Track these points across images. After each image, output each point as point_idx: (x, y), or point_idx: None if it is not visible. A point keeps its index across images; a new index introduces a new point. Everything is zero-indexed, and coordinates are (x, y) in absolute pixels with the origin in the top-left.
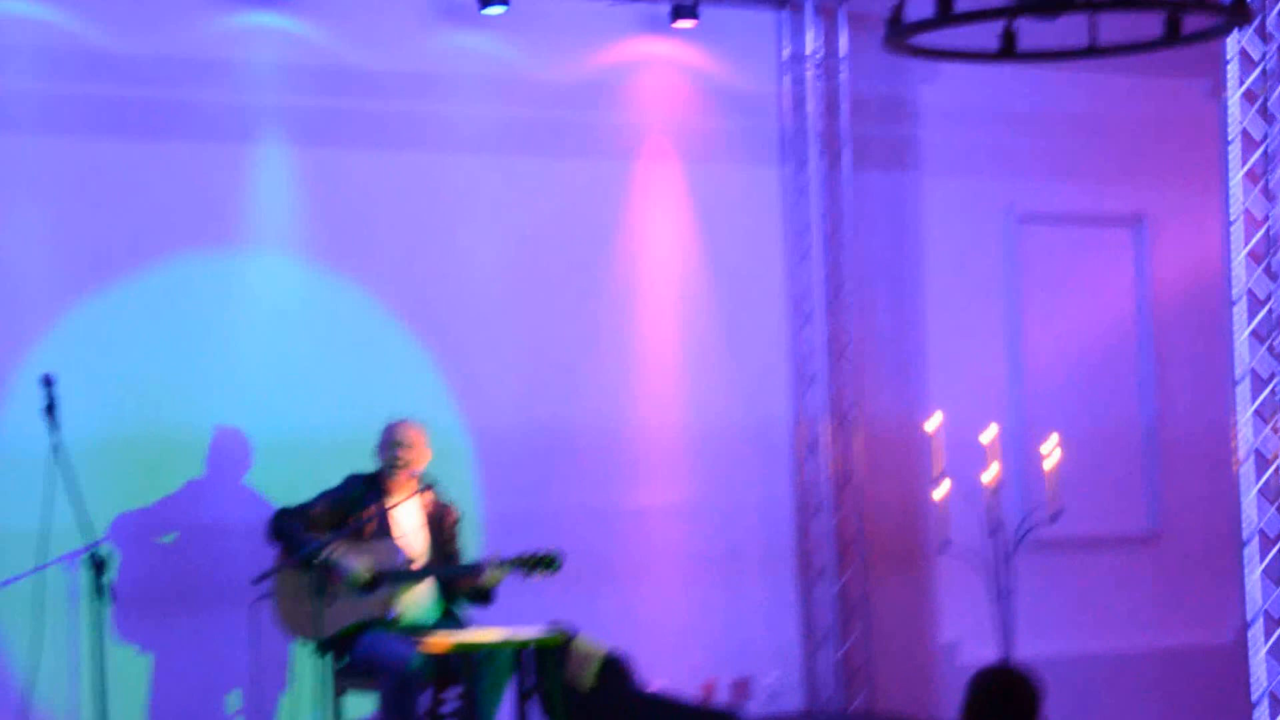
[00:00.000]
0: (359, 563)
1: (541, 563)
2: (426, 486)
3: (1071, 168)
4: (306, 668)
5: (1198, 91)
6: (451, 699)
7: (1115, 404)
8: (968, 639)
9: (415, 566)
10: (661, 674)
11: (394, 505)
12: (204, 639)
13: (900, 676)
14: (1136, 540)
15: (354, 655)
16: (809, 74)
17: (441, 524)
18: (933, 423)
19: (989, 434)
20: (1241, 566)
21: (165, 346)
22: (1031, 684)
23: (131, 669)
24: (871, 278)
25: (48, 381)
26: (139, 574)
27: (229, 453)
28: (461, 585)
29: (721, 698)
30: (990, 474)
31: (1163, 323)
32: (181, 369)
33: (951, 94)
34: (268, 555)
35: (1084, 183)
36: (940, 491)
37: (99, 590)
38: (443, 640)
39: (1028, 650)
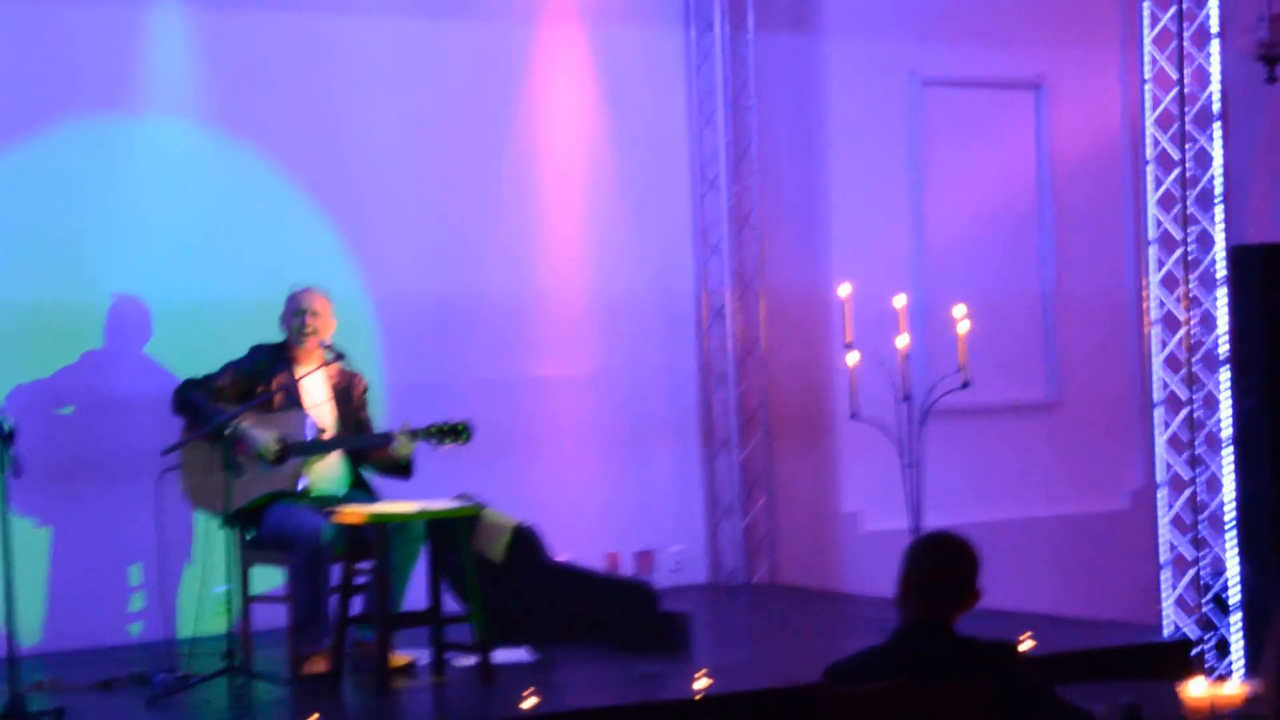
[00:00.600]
0: (267, 434)
1: (452, 432)
2: (335, 356)
3: (973, 29)
4: (211, 540)
5: None
6: (363, 572)
7: (1016, 270)
8: (870, 509)
9: (325, 437)
10: (565, 546)
11: (302, 376)
12: (105, 512)
13: (803, 547)
14: (1036, 407)
15: (263, 528)
16: None
17: (350, 394)
18: (843, 290)
19: (899, 301)
20: (1140, 433)
21: (60, 213)
22: (971, 550)
23: (30, 542)
24: (775, 144)
25: None
26: (37, 446)
27: (128, 322)
28: (375, 456)
29: (625, 570)
30: (902, 341)
31: (1063, 188)
32: (77, 236)
33: None
34: (171, 427)
35: (986, 45)
36: (852, 359)
37: (4, 462)
38: (355, 512)
39: (932, 519)
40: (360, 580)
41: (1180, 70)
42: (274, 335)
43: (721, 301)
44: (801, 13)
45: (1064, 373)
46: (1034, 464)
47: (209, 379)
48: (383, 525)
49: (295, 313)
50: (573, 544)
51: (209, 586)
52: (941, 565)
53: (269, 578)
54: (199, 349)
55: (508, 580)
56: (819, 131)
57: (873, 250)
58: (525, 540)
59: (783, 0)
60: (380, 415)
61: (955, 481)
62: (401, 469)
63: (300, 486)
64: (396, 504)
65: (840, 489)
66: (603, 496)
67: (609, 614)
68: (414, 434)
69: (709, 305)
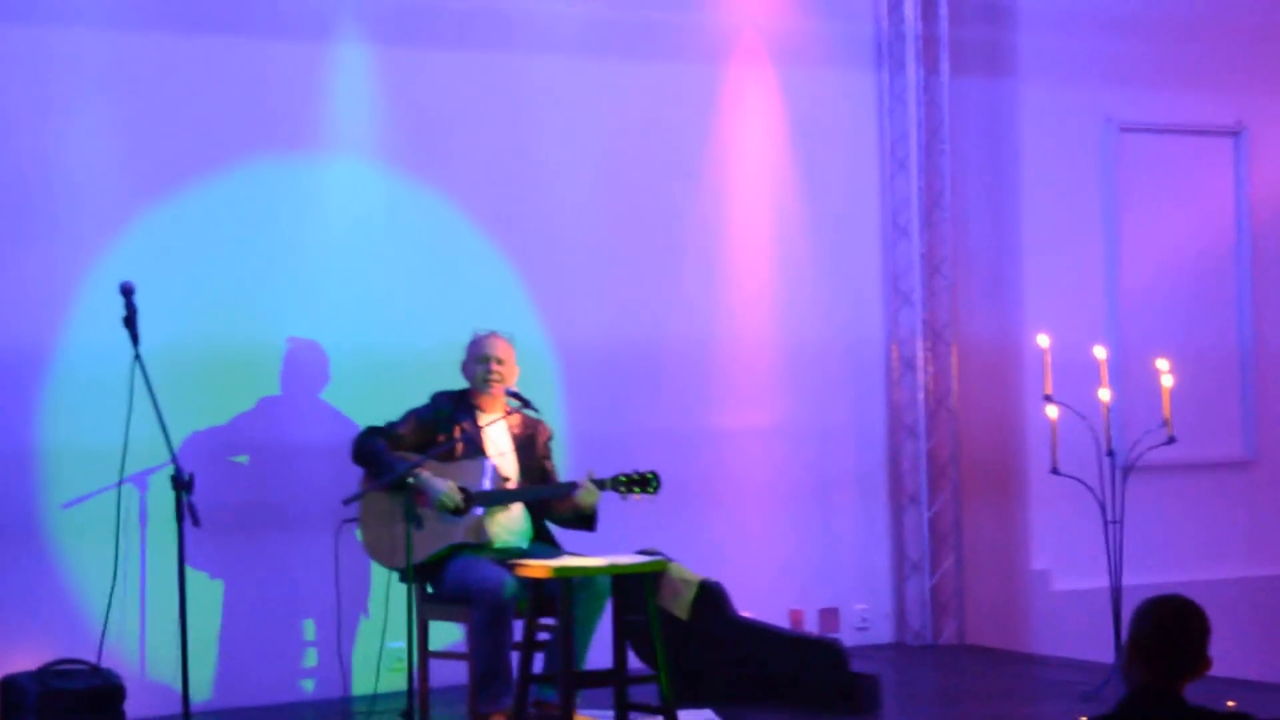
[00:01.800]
0: (449, 484)
1: (640, 482)
2: (521, 404)
3: (1172, 74)
4: (388, 594)
5: None
6: (546, 628)
7: (1212, 322)
8: (1061, 567)
9: (508, 487)
10: (748, 603)
11: (485, 424)
12: (280, 564)
13: (992, 606)
14: (1233, 465)
15: (443, 581)
16: None
17: (534, 443)
18: (1043, 340)
19: (1100, 352)
20: None
21: (238, 256)
22: (1202, 615)
23: (203, 595)
24: (967, 190)
25: (127, 290)
26: (212, 495)
27: (305, 367)
28: (559, 508)
29: (809, 627)
30: (1105, 394)
31: (1262, 238)
32: (255, 279)
33: None
34: (349, 476)
35: (1184, 90)
36: (1052, 412)
37: (183, 511)
38: (540, 565)
39: (1129, 578)
40: (542, 636)
41: None
42: (454, 382)
43: (912, 352)
44: (996, 56)
45: (1261, 430)
46: (1231, 523)
47: (390, 427)
48: (567, 580)
49: (479, 359)
50: (756, 600)
51: (386, 642)
52: (1173, 630)
53: (448, 633)
54: (378, 396)
55: (693, 638)
56: (1013, 178)
57: (1067, 300)
58: (711, 597)
59: (977, 43)
60: (562, 465)
61: (1151, 540)
62: (585, 520)
63: (482, 539)
64: (581, 558)
65: (1030, 546)
66: (787, 552)
67: (797, 673)
68: (600, 484)
69: (899, 356)
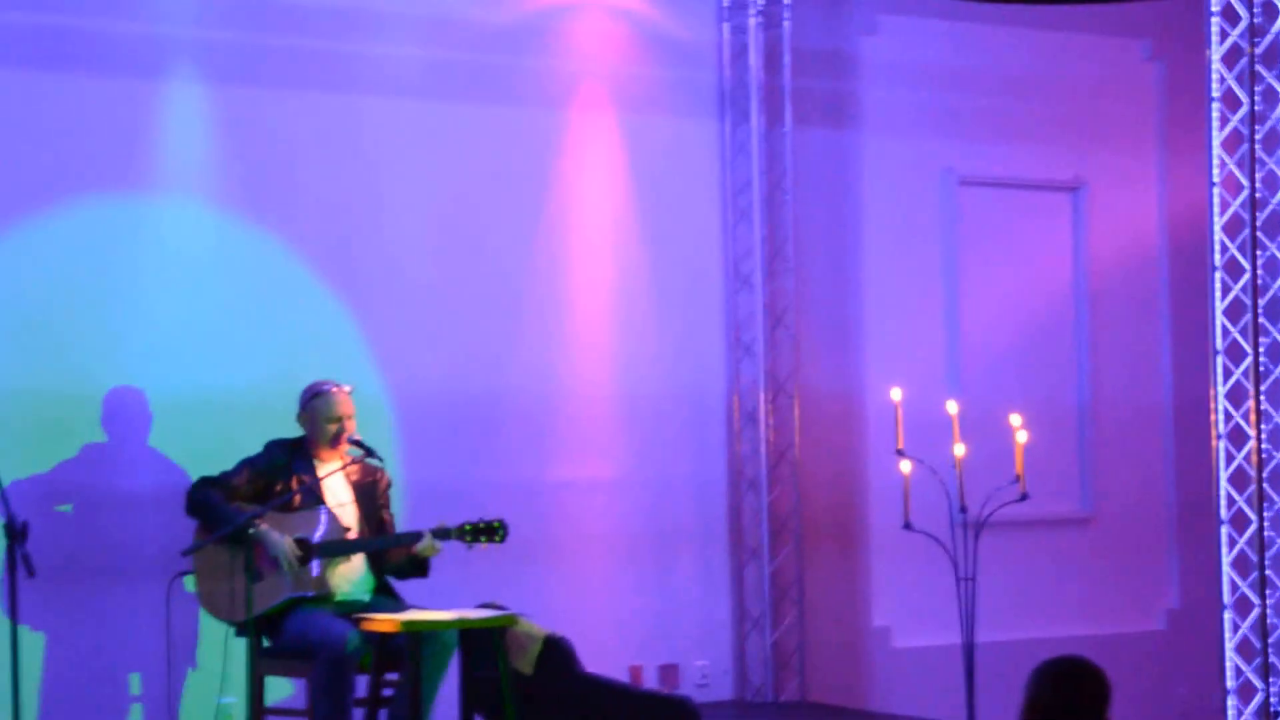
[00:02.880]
0: (287, 536)
1: (487, 530)
2: (363, 454)
3: (1011, 129)
4: (221, 647)
5: (1137, 53)
6: (390, 684)
7: (1051, 377)
8: (902, 624)
9: (348, 538)
10: (587, 657)
11: (325, 474)
12: (105, 615)
13: (834, 663)
14: (1071, 521)
15: (282, 635)
16: (751, 22)
17: (373, 491)
18: (895, 394)
19: (952, 407)
20: (1177, 551)
21: (63, 296)
22: (1103, 677)
23: (24, 648)
24: (810, 241)
25: None
26: (34, 545)
27: (129, 413)
28: (393, 555)
29: (649, 683)
30: (959, 450)
31: (1099, 293)
32: (79, 321)
33: (893, 49)
34: (177, 525)
35: (1024, 145)
36: (905, 467)
37: (15, 561)
38: (387, 620)
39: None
40: (386, 692)
41: (1251, 175)
42: (287, 427)
43: (754, 404)
44: (838, 107)
45: (1099, 486)
46: (1072, 580)
47: (225, 477)
48: (415, 635)
49: (329, 419)
50: (596, 655)
51: (219, 697)
52: (1069, 694)
53: (282, 688)
54: (208, 443)
55: (537, 693)
56: (855, 229)
57: (909, 353)
58: (556, 652)
59: (820, 94)
60: (399, 515)
61: (997, 597)
62: (419, 569)
63: (322, 592)
64: (426, 612)
65: (872, 602)
66: (626, 606)
67: None
68: (446, 533)
69: (741, 408)
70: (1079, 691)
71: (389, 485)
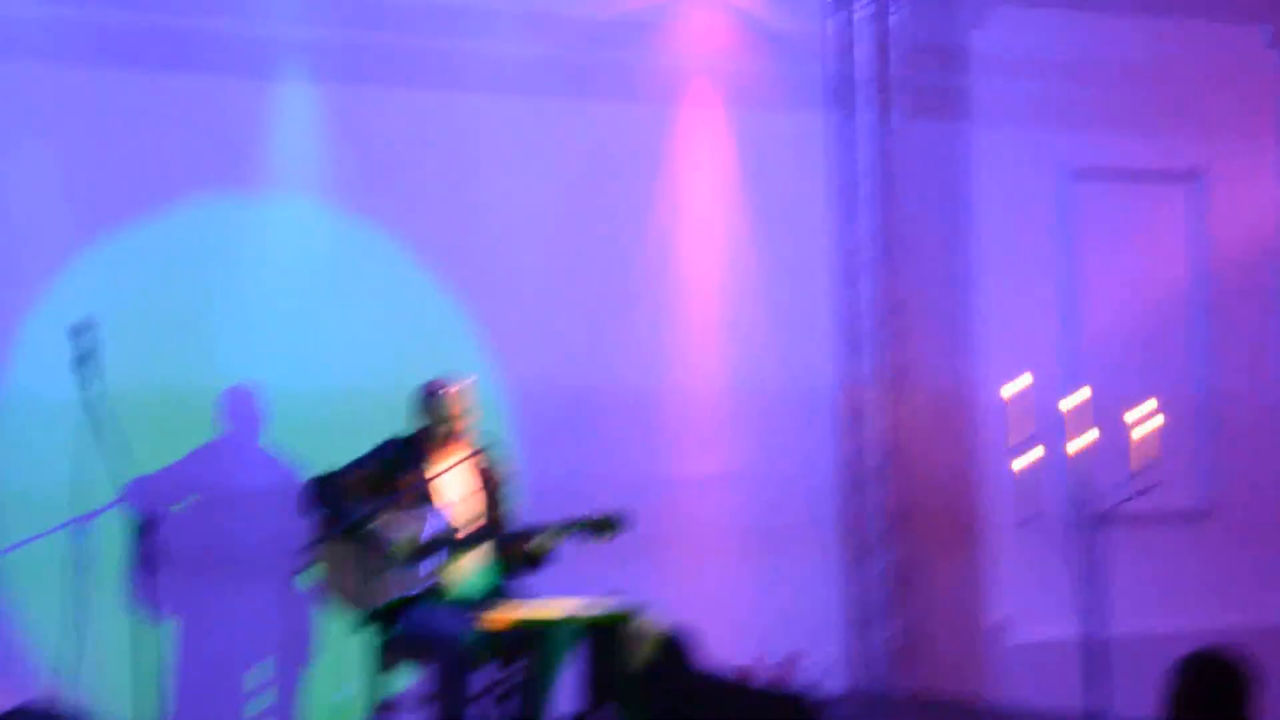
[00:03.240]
0: (403, 533)
1: (604, 525)
2: (479, 449)
3: (1127, 119)
4: (341, 641)
5: (1257, 40)
6: (507, 676)
7: (1169, 370)
8: (1019, 618)
9: (463, 534)
10: (700, 652)
11: (441, 470)
12: (227, 609)
13: (948, 657)
14: (1190, 515)
15: (402, 630)
16: (858, 15)
17: (491, 486)
18: (1009, 389)
19: (1070, 402)
20: None
21: (179, 296)
22: (1245, 668)
23: (149, 639)
24: (921, 235)
25: (81, 329)
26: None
27: (245, 411)
28: (513, 550)
29: (763, 678)
30: (1080, 442)
31: (1218, 284)
32: (196, 320)
33: (1005, 41)
34: (292, 521)
35: (1139, 136)
36: (1022, 461)
37: (146, 554)
38: (503, 615)
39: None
40: (503, 686)
41: None
42: (402, 425)
43: (865, 399)
44: (949, 100)
45: (1218, 479)
46: (1190, 574)
47: (341, 473)
48: (534, 628)
49: (445, 418)
50: (710, 648)
51: (336, 689)
52: (1214, 686)
53: (401, 681)
54: (323, 440)
55: (655, 688)
56: (966, 223)
57: (1023, 347)
58: (674, 646)
59: (930, 86)
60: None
61: (1112, 590)
62: (533, 564)
63: (439, 586)
64: (544, 605)
65: (988, 597)
66: (741, 600)
67: None
68: (565, 528)
69: (851, 403)
70: (1225, 682)
71: (510, 478)
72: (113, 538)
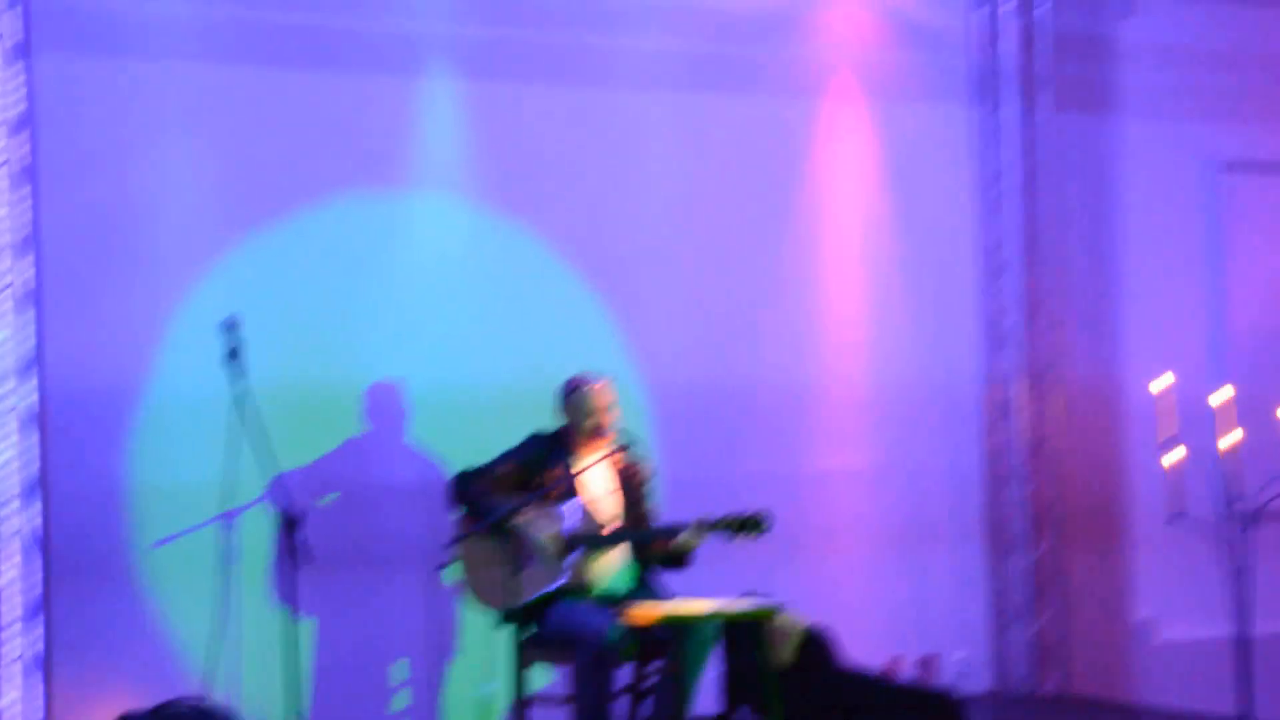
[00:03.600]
0: (548, 530)
1: (748, 524)
2: (623, 445)
3: (1276, 111)
4: (479, 637)
5: None
6: (647, 674)
7: None
8: (1167, 616)
9: (608, 531)
10: (842, 648)
11: (585, 466)
12: (369, 604)
13: (1095, 656)
14: None
15: (544, 626)
16: (1002, 9)
17: (634, 482)
18: (1158, 384)
19: (1220, 397)
20: None
21: (324, 293)
22: None
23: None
24: (1067, 229)
25: (230, 325)
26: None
27: (389, 407)
28: (653, 548)
29: (906, 675)
30: (1231, 438)
31: None
32: (340, 316)
33: (1152, 31)
34: (436, 516)
35: None
36: (1170, 457)
37: (292, 549)
38: (647, 612)
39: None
40: (646, 683)
41: None
42: (543, 421)
43: (1011, 394)
44: (1096, 91)
45: None
46: None
47: (487, 469)
48: (676, 626)
49: (590, 412)
50: (851, 646)
51: (478, 685)
52: None
53: (544, 677)
54: (465, 436)
55: (797, 685)
56: (1114, 216)
57: (1172, 341)
58: (816, 642)
59: (1077, 78)
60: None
61: (1264, 588)
62: (678, 562)
63: (582, 583)
64: (686, 602)
65: (1136, 594)
66: (884, 597)
67: None
68: (707, 527)
69: (997, 398)
70: None
71: (651, 476)
72: (258, 533)
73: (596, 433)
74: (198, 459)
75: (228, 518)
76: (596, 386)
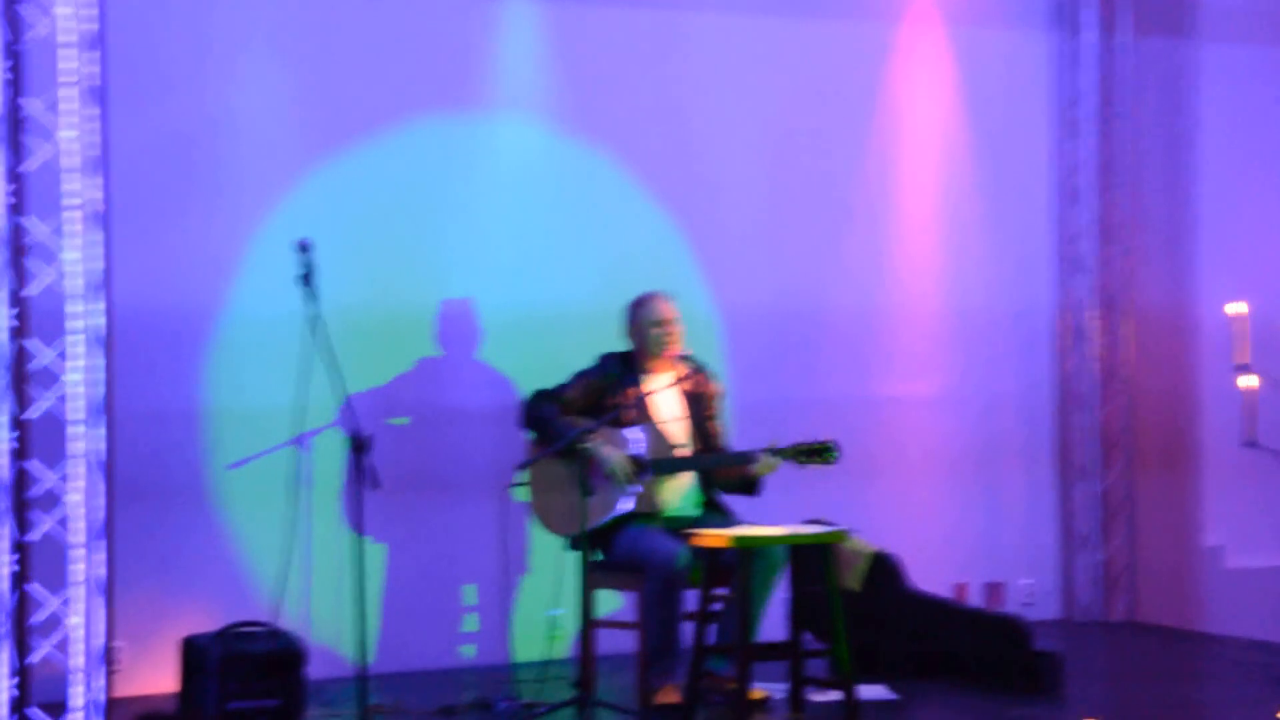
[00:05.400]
0: (619, 453)
1: (821, 451)
2: (694, 369)
3: None
4: (549, 560)
5: None
6: (719, 599)
7: None
8: (1235, 544)
9: (679, 454)
10: (911, 574)
11: (656, 388)
12: (440, 528)
13: (1164, 583)
14: None
15: (614, 550)
16: None
17: (703, 403)
18: (1234, 308)
19: None
20: None
21: (398, 215)
22: None
23: (365, 558)
24: (1143, 154)
25: (304, 247)
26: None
27: (462, 328)
28: (726, 473)
29: (974, 601)
30: None
31: None
32: (414, 238)
33: None
34: (507, 439)
35: None
36: (1246, 382)
37: (362, 473)
38: (717, 535)
39: None
40: (715, 608)
41: None
42: (612, 342)
43: (1083, 320)
44: (1174, 16)
45: None
46: None
47: (559, 390)
48: (745, 550)
49: (653, 323)
50: (919, 572)
51: (547, 608)
52: None
53: (612, 601)
54: (536, 357)
55: (865, 609)
56: (1191, 141)
57: (1248, 267)
58: (884, 569)
59: (1155, 2)
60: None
61: None
62: (750, 487)
63: (655, 507)
64: (756, 527)
65: (1205, 522)
66: (952, 523)
67: (975, 650)
68: (780, 453)
69: (1070, 324)
70: None
71: (719, 395)
72: (331, 457)
73: (660, 348)
74: (272, 381)
75: (301, 441)
76: (658, 301)
